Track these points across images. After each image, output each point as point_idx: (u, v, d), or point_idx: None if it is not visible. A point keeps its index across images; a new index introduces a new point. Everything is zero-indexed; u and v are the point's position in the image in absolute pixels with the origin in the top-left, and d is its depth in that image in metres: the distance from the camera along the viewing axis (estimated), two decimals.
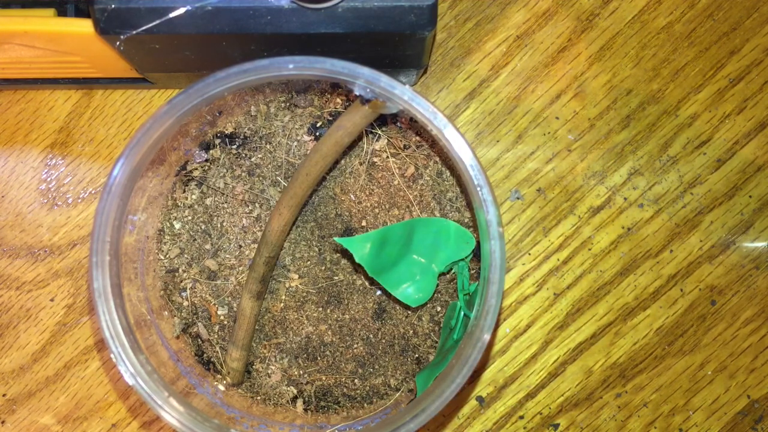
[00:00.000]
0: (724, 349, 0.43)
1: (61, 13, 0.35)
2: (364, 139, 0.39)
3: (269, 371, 0.39)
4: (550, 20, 0.43)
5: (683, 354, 0.43)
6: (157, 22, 0.32)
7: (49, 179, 0.43)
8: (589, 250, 0.42)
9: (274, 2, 0.32)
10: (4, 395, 0.43)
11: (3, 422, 0.43)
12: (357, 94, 0.30)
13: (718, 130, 0.43)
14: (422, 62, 0.38)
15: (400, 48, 0.35)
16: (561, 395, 0.42)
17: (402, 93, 0.29)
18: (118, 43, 0.33)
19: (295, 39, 0.33)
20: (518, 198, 0.42)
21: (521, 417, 0.42)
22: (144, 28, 0.32)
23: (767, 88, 0.43)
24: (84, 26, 0.33)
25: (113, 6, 0.32)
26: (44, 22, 0.34)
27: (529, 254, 0.43)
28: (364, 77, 0.29)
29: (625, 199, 0.42)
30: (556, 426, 0.42)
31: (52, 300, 0.43)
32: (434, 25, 0.32)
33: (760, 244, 0.43)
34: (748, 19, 0.43)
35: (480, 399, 0.42)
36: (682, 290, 0.43)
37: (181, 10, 0.32)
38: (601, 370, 0.42)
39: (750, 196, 0.43)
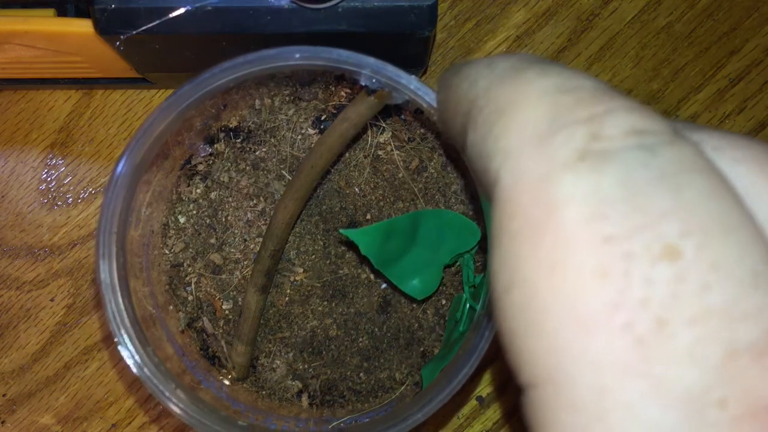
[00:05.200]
0: None
1: (61, 13, 0.35)
2: (369, 132, 0.39)
3: (274, 365, 0.39)
4: (550, 20, 0.43)
5: None
6: (157, 22, 0.32)
7: (49, 179, 0.43)
8: None
9: (274, 2, 0.32)
10: (4, 395, 0.43)
11: (3, 422, 0.43)
12: (362, 84, 0.30)
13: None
14: (422, 62, 0.38)
15: (400, 48, 0.35)
16: None
17: (408, 82, 0.29)
18: (118, 43, 0.33)
19: (295, 39, 0.33)
20: None
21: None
22: (144, 28, 0.32)
23: (767, 88, 0.43)
24: (84, 26, 0.33)
25: (113, 6, 0.32)
26: (44, 22, 0.34)
27: None
28: (370, 67, 0.29)
29: None
30: None
31: (52, 300, 0.43)
32: (434, 25, 0.32)
33: None
34: (748, 19, 0.43)
35: (480, 399, 0.42)
36: None
37: (181, 10, 0.32)
38: None
39: None
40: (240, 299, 0.39)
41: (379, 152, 0.39)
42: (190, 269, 0.39)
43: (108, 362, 0.43)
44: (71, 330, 0.43)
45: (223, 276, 0.39)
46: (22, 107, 0.43)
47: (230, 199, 0.39)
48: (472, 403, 0.42)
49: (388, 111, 0.38)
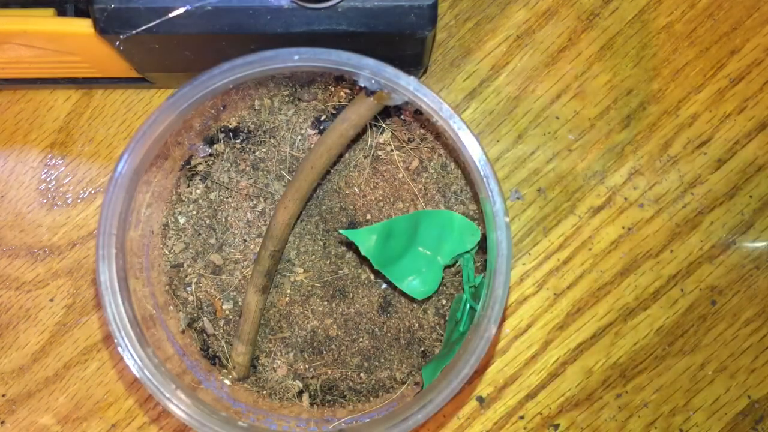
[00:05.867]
0: (724, 349, 0.43)
1: (61, 12, 0.35)
2: (368, 133, 0.39)
3: (275, 365, 0.39)
4: (550, 20, 0.43)
5: (684, 354, 0.42)
6: (157, 22, 0.32)
7: (48, 179, 0.43)
8: (590, 250, 0.42)
9: (274, 2, 0.32)
10: (3, 395, 0.43)
11: (3, 422, 0.43)
12: (362, 85, 0.30)
13: (718, 130, 0.43)
14: (422, 62, 0.38)
15: (400, 48, 0.35)
16: (561, 395, 0.42)
17: (407, 83, 0.29)
18: (117, 42, 0.33)
19: (295, 39, 0.33)
20: (518, 198, 0.42)
21: (521, 417, 0.42)
22: (144, 28, 0.32)
23: None
24: (84, 26, 0.33)
25: (113, 6, 0.32)
26: (44, 21, 0.34)
27: (529, 254, 0.43)
28: (369, 68, 0.29)
29: (626, 199, 0.42)
30: (557, 426, 0.42)
31: (51, 300, 0.43)
32: (434, 24, 0.32)
33: (760, 244, 0.43)
34: (749, 18, 0.43)
35: (480, 399, 0.42)
36: (682, 290, 0.43)
37: (181, 10, 0.32)
38: (601, 370, 0.42)
39: (750, 196, 0.43)
40: (240, 299, 0.39)
41: (379, 152, 0.39)
42: (190, 270, 0.39)
43: (108, 362, 0.43)
44: (71, 330, 0.43)
45: (223, 276, 0.39)
46: (21, 107, 0.43)
47: (230, 200, 0.39)
48: (472, 403, 0.42)
49: (388, 111, 0.38)
